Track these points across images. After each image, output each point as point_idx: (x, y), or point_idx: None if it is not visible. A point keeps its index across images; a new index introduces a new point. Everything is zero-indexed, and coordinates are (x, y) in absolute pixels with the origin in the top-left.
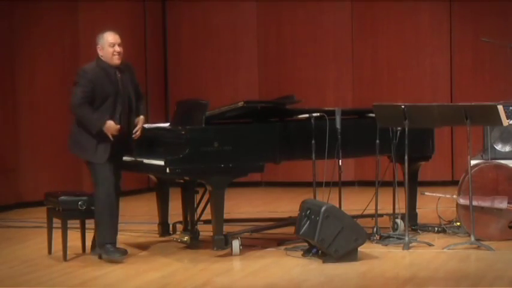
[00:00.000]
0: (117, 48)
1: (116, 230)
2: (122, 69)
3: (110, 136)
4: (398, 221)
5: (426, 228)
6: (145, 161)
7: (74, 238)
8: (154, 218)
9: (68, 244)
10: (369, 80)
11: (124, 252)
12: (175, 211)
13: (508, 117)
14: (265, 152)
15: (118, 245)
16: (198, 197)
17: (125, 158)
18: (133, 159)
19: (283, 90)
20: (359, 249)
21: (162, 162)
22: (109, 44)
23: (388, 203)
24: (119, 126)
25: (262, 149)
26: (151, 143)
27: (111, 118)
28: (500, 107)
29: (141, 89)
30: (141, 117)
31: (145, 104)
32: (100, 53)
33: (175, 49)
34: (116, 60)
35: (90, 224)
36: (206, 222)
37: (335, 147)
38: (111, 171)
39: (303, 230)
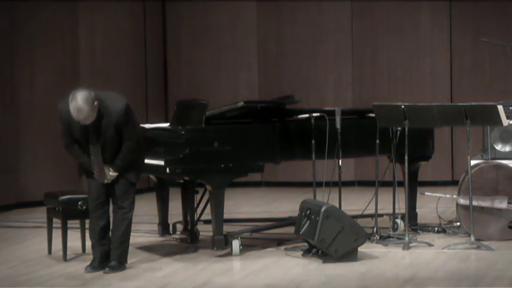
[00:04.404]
0: (83, 123)
1: (99, 251)
2: (99, 123)
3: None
4: (398, 221)
5: (426, 228)
6: (146, 161)
7: (73, 238)
8: (154, 218)
9: (68, 244)
10: (369, 80)
11: (94, 268)
12: (175, 211)
13: (508, 117)
14: (265, 152)
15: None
16: (198, 197)
17: None
18: None
19: (283, 90)
20: (359, 249)
21: (162, 162)
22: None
23: (388, 203)
24: (114, 175)
25: (262, 149)
26: (151, 143)
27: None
28: (500, 107)
29: (130, 134)
30: (110, 173)
31: (129, 153)
32: None
33: (175, 49)
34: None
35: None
36: (206, 222)
37: (335, 147)
38: (96, 187)
39: (303, 230)
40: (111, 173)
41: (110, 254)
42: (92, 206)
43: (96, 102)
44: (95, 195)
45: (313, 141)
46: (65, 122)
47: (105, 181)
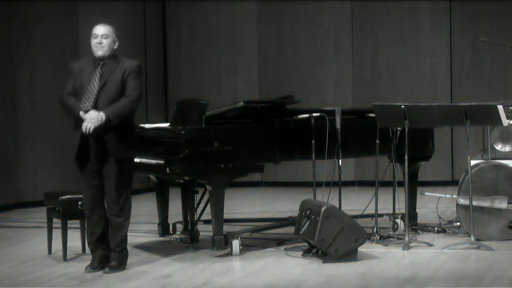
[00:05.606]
0: (98, 40)
1: (98, 253)
2: (111, 64)
3: (86, 127)
4: (398, 221)
5: (426, 228)
6: (145, 161)
7: (73, 238)
8: (154, 218)
9: (68, 244)
10: (369, 80)
11: (94, 268)
12: (175, 211)
13: (508, 117)
14: (265, 152)
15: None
16: (198, 197)
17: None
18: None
19: (283, 90)
20: (359, 249)
21: (162, 162)
22: (92, 35)
23: (388, 203)
24: (101, 114)
25: (262, 149)
26: (151, 143)
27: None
28: (500, 107)
29: (132, 88)
30: (95, 112)
31: (124, 107)
32: None
33: (175, 49)
34: (98, 52)
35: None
36: (206, 222)
37: (335, 147)
38: (89, 184)
39: (303, 230)
40: (100, 113)
41: (110, 256)
42: (88, 211)
43: (117, 42)
44: (89, 195)
45: (313, 141)
46: (77, 69)
47: (88, 124)
